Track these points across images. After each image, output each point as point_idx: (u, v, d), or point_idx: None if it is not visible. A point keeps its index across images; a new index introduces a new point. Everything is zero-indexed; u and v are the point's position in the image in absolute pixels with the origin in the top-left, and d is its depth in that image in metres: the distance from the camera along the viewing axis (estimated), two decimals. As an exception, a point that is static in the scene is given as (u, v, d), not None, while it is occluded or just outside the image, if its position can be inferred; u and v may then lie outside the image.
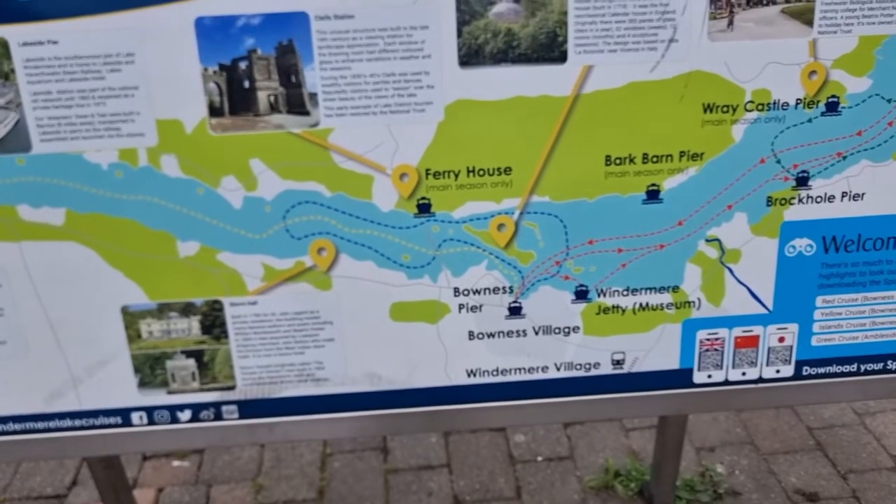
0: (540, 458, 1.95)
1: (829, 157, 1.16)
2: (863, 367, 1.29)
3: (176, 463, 1.97)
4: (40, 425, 1.23)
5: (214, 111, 1.07)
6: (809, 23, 1.08)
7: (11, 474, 1.96)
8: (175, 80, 1.05)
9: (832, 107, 1.13)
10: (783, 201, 1.18)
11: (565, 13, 1.05)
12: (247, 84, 1.07)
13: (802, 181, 1.17)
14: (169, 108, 1.07)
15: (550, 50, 1.07)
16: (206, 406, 1.24)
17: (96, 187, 1.10)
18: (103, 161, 1.09)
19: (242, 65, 1.05)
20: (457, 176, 1.13)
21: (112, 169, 1.09)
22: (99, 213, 1.11)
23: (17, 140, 1.07)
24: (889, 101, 1.13)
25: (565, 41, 1.07)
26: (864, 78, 1.12)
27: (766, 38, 1.08)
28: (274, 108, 1.08)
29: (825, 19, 1.08)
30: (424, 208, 1.14)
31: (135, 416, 1.23)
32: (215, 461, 1.97)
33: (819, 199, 1.18)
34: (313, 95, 1.07)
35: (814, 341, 1.26)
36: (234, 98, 1.07)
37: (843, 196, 1.18)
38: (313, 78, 1.06)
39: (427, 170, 1.12)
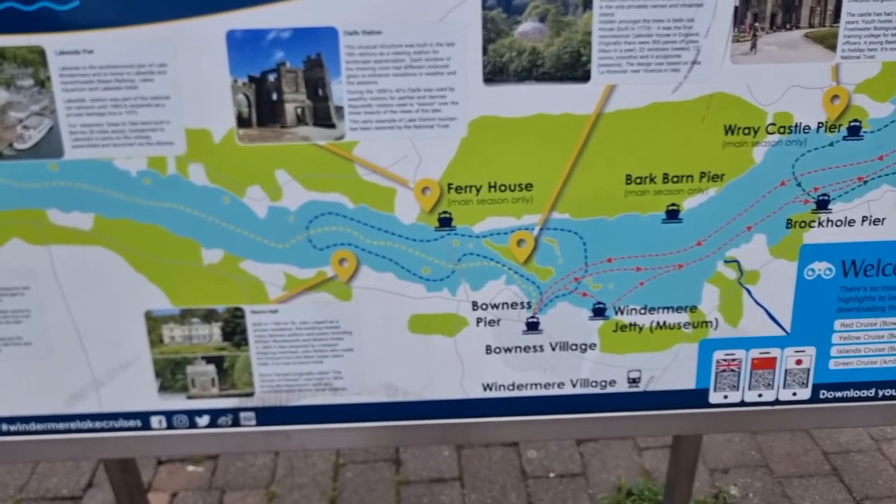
0: (552, 475, 1.95)
1: (849, 181, 1.16)
2: (881, 393, 1.28)
3: (190, 468, 1.99)
4: (61, 426, 1.25)
5: (242, 122, 1.09)
6: (832, 47, 1.09)
7: (28, 475, 1.98)
8: (205, 90, 1.08)
9: (854, 131, 1.13)
10: (803, 224, 1.18)
11: (589, 33, 1.07)
12: (275, 96, 1.09)
13: (823, 204, 1.17)
14: (198, 118, 1.09)
15: (574, 69, 1.08)
16: (224, 412, 1.25)
17: (125, 194, 1.12)
18: (132, 168, 1.11)
19: (271, 77, 1.08)
20: (478, 191, 1.14)
21: (141, 176, 1.11)
22: (127, 219, 1.13)
23: (49, 146, 1.10)
24: (911, 126, 1.13)
25: (589, 61, 1.08)
26: (886, 103, 1.12)
27: (788, 61, 1.09)
28: (301, 121, 1.10)
29: (848, 44, 1.09)
30: (445, 222, 1.15)
31: (154, 420, 1.25)
32: (229, 467, 1.98)
33: (839, 223, 1.18)
34: (339, 109, 1.09)
35: (831, 365, 1.26)
36: (262, 109, 1.09)
37: (863, 220, 1.18)
38: (340, 91, 1.08)
39: (449, 184, 1.13)
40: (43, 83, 1.07)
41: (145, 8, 1.04)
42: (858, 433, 2.06)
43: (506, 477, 1.94)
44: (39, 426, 1.25)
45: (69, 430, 1.25)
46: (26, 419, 1.24)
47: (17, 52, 1.05)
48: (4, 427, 1.24)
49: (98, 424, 1.25)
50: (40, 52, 1.05)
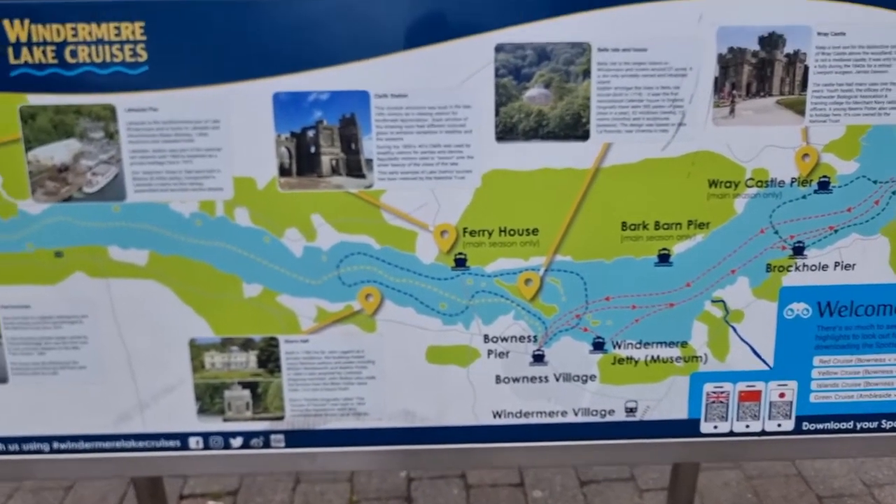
0: (557, 513, 2.03)
1: (822, 230, 1.30)
2: (858, 425, 1.39)
3: (211, 502, 2.08)
4: (107, 445, 1.37)
5: (284, 171, 1.25)
6: (801, 112, 1.24)
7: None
8: (252, 143, 1.23)
9: (824, 185, 1.28)
10: (781, 268, 1.31)
11: (588, 98, 1.23)
12: (313, 149, 1.24)
13: (798, 251, 1.31)
14: (245, 167, 1.24)
15: (575, 129, 1.24)
16: (256, 434, 1.37)
17: (178, 233, 1.27)
18: (185, 211, 1.26)
19: (310, 133, 1.23)
20: (490, 235, 1.28)
21: (193, 218, 1.26)
22: (178, 256, 1.28)
23: (114, 190, 1.25)
24: (874, 182, 1.28)
25: (588, 122, 1.24)
26: (851, 161, 1.27)
27: (763, 124, 1.25)
28: (335, 171, 1.25)
29: (815, 110, 1.24)
30: (461, 262, 1.29)
31: (192, 441, 1.37)
32: (248, 502, 2.07)
33: (814, 268, 1.32)
34: (369, 161, 1.24)
35: (812, 398, 1.38)
36: (302, 161, 1.24)
37: (835, 265, 1.32)
38: (370, 146, 1.23)
39: (464, 228, 1.28)
40: (112, 135, 1.23)
41: (204, 72, 1.21)
42: (851, 478, 2.15)
43: (512, 515, 2.03)
44: (87, 445, 1.36)
45: (114, 449, 1.37)
46: (76, 438, 1.36)
47: (92, 109, 1.21)
48: (56, 445, 1.36)
49: (141, 444, 1.37)
50: (111, 109, 1.22)
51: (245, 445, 1.37)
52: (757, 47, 1.21)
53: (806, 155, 1.26)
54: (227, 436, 1.37)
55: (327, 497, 2.09)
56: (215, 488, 2.13)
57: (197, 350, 1.32)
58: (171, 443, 1.37)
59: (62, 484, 2.16)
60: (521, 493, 2.10)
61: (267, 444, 1.37)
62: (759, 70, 1.22)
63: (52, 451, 1.36)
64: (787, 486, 2.12)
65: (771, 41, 1.21)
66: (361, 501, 2.07)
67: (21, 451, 1.36)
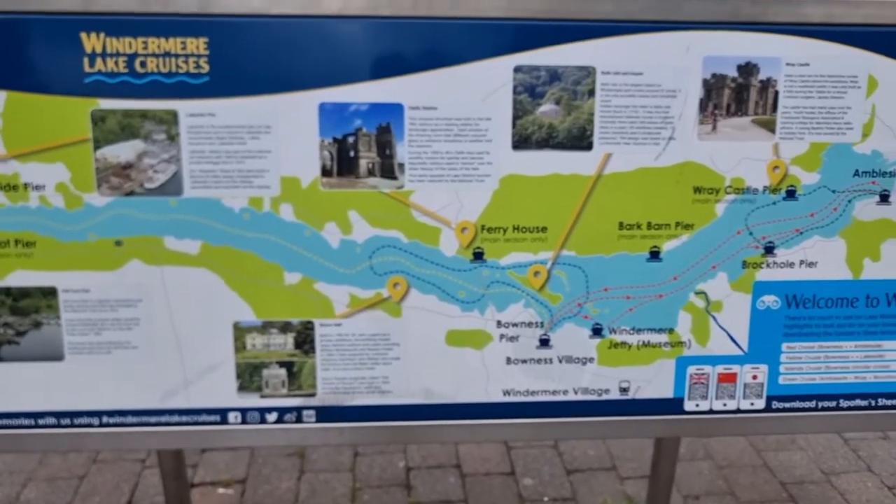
0: (546, 499, 2.20)
1: (789, 232, 1.50)
2: (820, 404, 1.59)
3: (221, 490, 2.20)
4: (153, 419, 1.50)
5: (325, 172, 1.41)
6: (773, 130, 1.45)
7: (72, 494, 2.18)
8: (299, 147, 1.39)
9: (791, 194, 1.48)
10: (755, 265, 1.51)
11: (592, 114, 1.42)
12: (352, 153, 1.41)
13: (769, 250, 1.51)
14: (291, 168, 1.40)
15: (580, 140, 1.43)
16: (290, 410, 1.51)
17: (228, 226, 1.42)
18: (236, 206, 1.41)
19: (350, 139, 1.40)
20: (505, 231, 1.46)
21: (242, 212, 1.42)
22: (227, 246, 1.43)
23: (172, 186, 1.40)
24: (833, 191, 1.49)
25: (592, 134, 1.43)
26: (814, 173, 1.48)
27: (740, 139, 1.45)
28: (371, 173, 1.42)
29: (784, 128, 1.45)
30: (478, 256, 1.47)
31: (231, 416, 1.51)
32: (257, 490, 2.20)
33: (783, 265, 1.52)
34: (401, 165, 1.41)
35: (780, 380, 1.57)
36: (342, 163, 1.41)
37: (801, 263, 1.52)
38: (403, 152, 1.41)
39: (482, 226, 1.45)
40: (173, 137, 1.38)
41: (258, 83, 1.37)
42: (811, 468, 2.35)
43: (505, 500, 2.18)
44: (134, 419, 1.50)
45: (159, 423, 1.50)
46: (124, 412, 1.49)
47: (157, 114, 1.37)
48: (105, 419, 1.49)
49: (184, 419, 1.50)
50: (174, 114, 1.37)
51: (279, 420, 1.52)
52: (736, 74, 1.42)
53: (776, 167, 1.47)
54: (263, 411, 1.51)
55: (331, 485, 2.23)
56: (224, 477, 2.25)
57: (240, 332, 1.47)
58: (212, 417, 1.51)
59: (75, 473, 2.25)
60: (513, 480, 2.26)
61: (299, 419, 1.52)
62: (738, 93, 1.43)
63: (102, 424, 1.49)
64: (755, 475, 2.32)
65: (747, 69, 1.42)
66: (364, 489, 2.21)
67: (73, 425, 1.49)
